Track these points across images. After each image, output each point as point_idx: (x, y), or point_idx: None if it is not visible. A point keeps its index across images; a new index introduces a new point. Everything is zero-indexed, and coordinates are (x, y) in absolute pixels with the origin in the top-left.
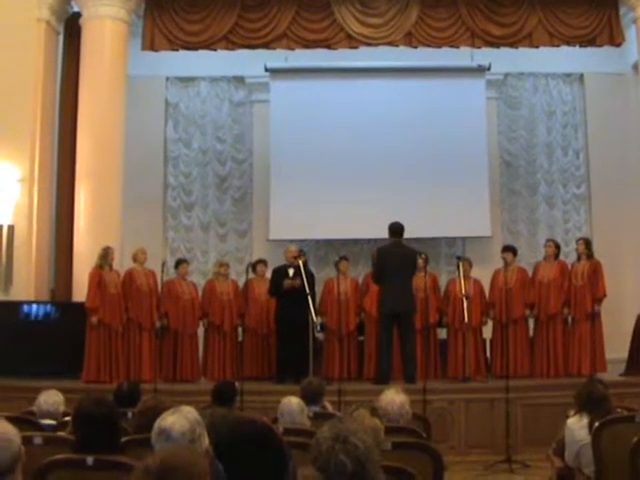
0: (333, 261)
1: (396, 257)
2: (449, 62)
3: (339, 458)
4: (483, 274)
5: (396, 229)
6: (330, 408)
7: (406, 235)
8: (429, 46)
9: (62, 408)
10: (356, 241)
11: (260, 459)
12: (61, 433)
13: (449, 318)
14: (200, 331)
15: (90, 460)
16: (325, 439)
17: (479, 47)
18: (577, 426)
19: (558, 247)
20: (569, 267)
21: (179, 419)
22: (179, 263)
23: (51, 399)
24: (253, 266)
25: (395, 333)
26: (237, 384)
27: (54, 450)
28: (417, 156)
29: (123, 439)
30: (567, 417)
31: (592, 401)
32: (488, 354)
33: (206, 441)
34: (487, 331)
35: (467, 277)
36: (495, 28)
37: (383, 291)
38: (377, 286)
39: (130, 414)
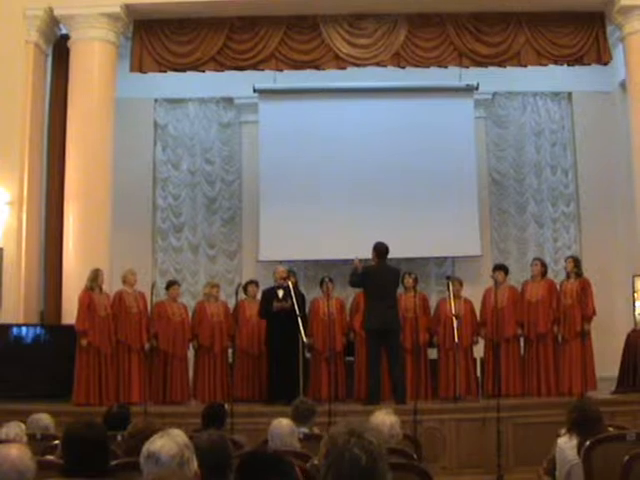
0: (319, 282)
1: (381, 277)
2: (437, 82)
3: (354, 452)
4: (473, 293)
5: (380, 250)
6: (317, 431)
7: (396, 255)
8: (417, 66)
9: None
10: (346, 261)
11: None
12: (50, 457)
13: (440, 338)
14: (190, 353)
15: None
16: (340, 434)
17: (467, 67)
18: (568, 445)
19: (545, 266)
20: (557, 285)
21: (168, 442)
22: (170, 285)
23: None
24: (244, 287)
25: (384, 353)
26: (227, 406)
27: (43, 474)
28: (406, 176)
29: (112, 462)
30: (558, 436)
31: (585, 422)
32: (479, 373)
33: (195, 464)
34: (478, 350)
35: (457, 297)
36: (483, 47)
37: (367, 308)
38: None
39: (120, 437)
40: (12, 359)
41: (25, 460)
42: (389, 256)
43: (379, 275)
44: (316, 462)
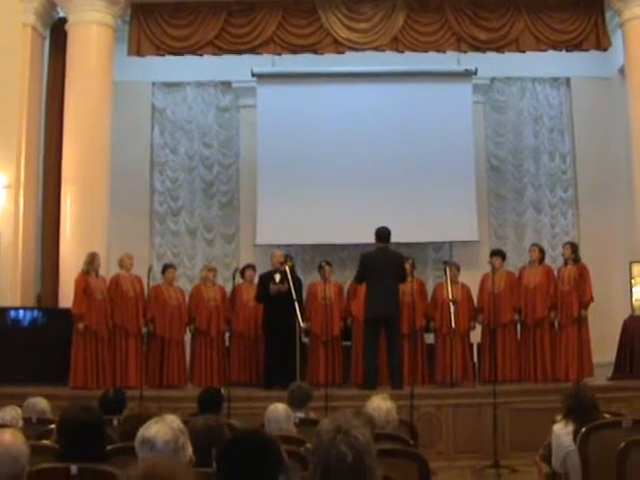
0: (317, 266)
1: (381, 262)
2: (436, 67)
3: (340, 449)
4: (471, 279)
5: (382, 234)
6: (313, 416)
7: (393, 240)
8: (415, 51)
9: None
10: (343, 246)
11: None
12: (46, 441)
13: (437, 323)
14: (187, 337)
15: (74, 469)
16: (327, 431)
17: (465, 52)
18: (563, 432)
19: (543, 252)
20: (554, 271)
21: (162, 428)
22: (166, 268)
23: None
24: (241, 271)
25: (382, 338)
26: (223, 390)
27: (38, 458)
28: (404, 161)
29: (108, 447)
30: (554, 422)
31: (581, 409)
32: (476, 359)
33: (190, 450)
34: (475, 336)
35: (455, 282)
36: (481, 33)
37: (368, 296)
38: (365, 290)
39: (116, 421)
40: (9, 342)
41: (18, 445)
42: None
43: (378, 260)
44: (309, 446)
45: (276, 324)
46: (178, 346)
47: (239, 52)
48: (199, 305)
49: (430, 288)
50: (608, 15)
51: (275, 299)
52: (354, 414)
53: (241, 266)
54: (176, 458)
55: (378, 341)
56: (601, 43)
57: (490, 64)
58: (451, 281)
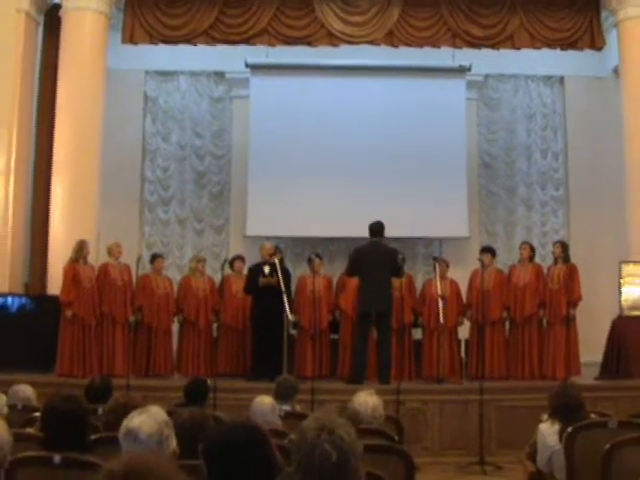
0: (306, 259)
1: (373, 256)
2: (430, 62)
3: (324, 448)
4: (460, 275)
5: (375, 229)
6: (299, 409)
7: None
8: (410, 46)
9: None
10: (333, 239)
11: (248, 467)
12: (30, 429)
13: (425, 318)
14: (175, 327)
15: (57, 458)
16: (310, 429)
17: (460, 47)
18: (549, 431)
19: (533, 250)
20: (544, 270)
21: (147, 420)
22: (155, 258)
23: None
24: (230, 262)
25: (372, 333)
26: (210, 381)
27: (22, 446)
28: (396, 155)
29: (93, 437)
30: (540, 421)
31: (567, 409)
32: (463, 355)
33: (174, 442)
34: (463, 332)
35: (444, 278)
36: (476, 29)
37: (360, 290)
38: (354, 284)
39: (101, 410)
40: None
41: (0, 433)
42: None
43: (369, 254)
44: (293, 437)
45: (264, 316)
46: (165, 335)
47: (233, 42)
48: (188, 295)
49: (419, 284)
50: (603, 15)
51: (264, 291)
52: (339, 410)
53: (230, 257)
54: (160, 450)
55: (368, 336)
56: (596, 42)
57: (484, 61)
58: (440, 277)
